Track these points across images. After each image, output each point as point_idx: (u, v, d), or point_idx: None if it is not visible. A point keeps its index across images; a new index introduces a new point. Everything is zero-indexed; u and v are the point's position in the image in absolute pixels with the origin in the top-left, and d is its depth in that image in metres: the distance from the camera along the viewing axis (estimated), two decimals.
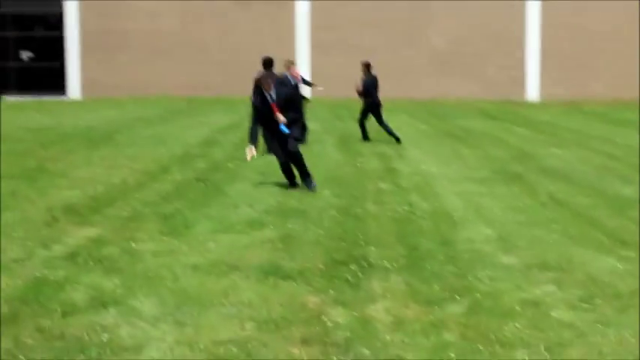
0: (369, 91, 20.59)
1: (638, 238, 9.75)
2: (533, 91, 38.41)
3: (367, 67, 20.92)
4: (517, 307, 7.07)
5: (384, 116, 20.71)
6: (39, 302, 6.96)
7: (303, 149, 18.25)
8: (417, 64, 37.22)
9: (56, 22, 39.76)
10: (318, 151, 18.37)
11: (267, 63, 18.00)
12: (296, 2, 38.70)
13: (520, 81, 38.49)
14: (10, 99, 37.60)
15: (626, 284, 7.78)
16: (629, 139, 21.28)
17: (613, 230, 10.31)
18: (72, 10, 39.18)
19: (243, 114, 28.75)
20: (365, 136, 20.68)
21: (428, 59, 37.91)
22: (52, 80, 39.71)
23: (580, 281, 7.89)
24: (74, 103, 35.79)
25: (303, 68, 38.60)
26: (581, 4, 38.02)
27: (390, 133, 20.40)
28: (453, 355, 6.00)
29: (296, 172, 13.30)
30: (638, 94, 36.21)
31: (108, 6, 38.86)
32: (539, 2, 38.18)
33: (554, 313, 6.96)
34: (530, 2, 38.27)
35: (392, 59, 36.48)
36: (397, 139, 20.20)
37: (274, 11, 38.67)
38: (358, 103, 32.86)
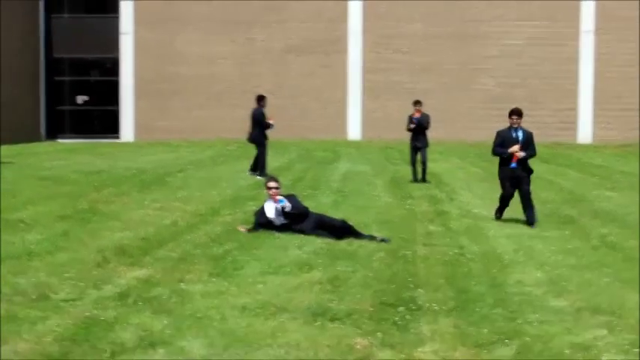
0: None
1: None
2: (586, 134, 38.13)
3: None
4: (567, 351, 6.99)
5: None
6: (89, 342, 7.01)
7: (352, 189, 18.37)
8: (469, 107, 37.19)
9: (112, 67, 40.39)
10: (369, 193, 18.38)
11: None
12: (349, 46, 38.93)
13: (573, 123, 38.28)
14: (65, 141, 38.19)
15: None
16: None
17: None
18: (127, 55, 39.79)
19: (294, 157, 28.97)
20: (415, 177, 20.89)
21: (480, 102, 37.86)
22: (106, 123, 40.30)
23: (632, 326, 7.78)
24: (127, 145, 36.21)
25: (355, 111, 38.79)
26: (633, 46, 37.79)
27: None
28: None
29: None
30: None
31: (161, 52, 39.42)
32: (593, 46, 38.00)
33: (604, 358, 6.86)
34: (583, 46, 38.11)
35: (444, 102, 36.49)
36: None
37: (327, 56, 38.93)
38: (407, 146, 32.99)
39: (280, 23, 38.99)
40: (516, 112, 15.01)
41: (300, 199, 13.56)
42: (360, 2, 38.85)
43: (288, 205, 12.87)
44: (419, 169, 20.98)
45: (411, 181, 20.70)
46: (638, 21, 37.71)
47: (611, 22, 37.76)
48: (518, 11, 38.17)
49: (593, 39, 38.07)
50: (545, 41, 38.14)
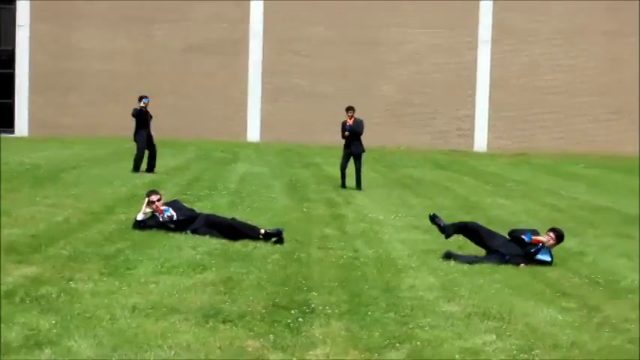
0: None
1: (578, 290, 9.83)
2: (481, 142, 38.77)
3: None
4: (457, 356, 7.06)
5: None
6: None
7: (249, 191, 18.31)
8: (370, 113, 37.30)
9: (7, 60, 39.48)
10: (266, 195, 18.33)
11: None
12: (250, 48, 38.83)
13: (469, 132, 38.87)
14: None
15: (565, 335, 7.81)
16: (573, 192, 21.54)
17: (554, 281, 10.39)
18: (23, 48, 38.97)
19: (192, 156, 28.75)
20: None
21: (379, 108, 38.14)
22: (1, 116, 39.35)
23: (520, 331, 7.90)
24: (21, 140, 35.46)
25: (254, 113, 38.71)
26: (529, 59, 38.61)
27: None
28: None
29: None
30: (583, 148, 36.69)
31: (59, 46, 38.71)
32: (489, 56, 38.66)
33: None
34: (480, 56, 38.74)
35: (342, 106, 36.59)
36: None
37: (228, 57, 38.76)
38: (307, 149, 33.07)
39: (181, 22, 38.67)
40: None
41: (183, 203, 13.47)
42: (262, 3, 38.77)
43: (174, 214, 12.75)
44: (349, 177, 20.67)
45: (340, 187, 20.50)
46: (531, 32, 38.48)
47: (508, 33, 38.47)
48: (419, 19, 38.58)
49: (490, 49, 38.72)
50: (443, 50, 38.64)
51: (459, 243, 12.45)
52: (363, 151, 20.93)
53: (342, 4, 38.42)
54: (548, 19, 38.46)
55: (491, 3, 38.60)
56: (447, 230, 12.16)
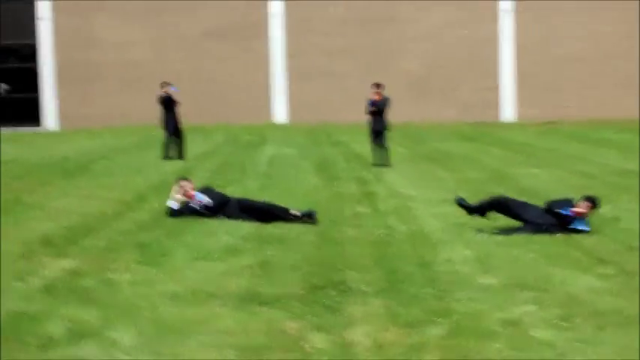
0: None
1: (615, 256, 9.79)
2: (508, 113, 38.58)
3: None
4: (497, 328, 7.06)
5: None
6: (16, 337, 6.87)
7: (279, 173, 18.34)
8: (392, 89, 36.93)
9: (31, 54, 39.65)
10: (296, 176, 18.36)
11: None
12: (269, 30, 38.78)
13: (495, 102, 38.67)
14: None
15: (604, 302, 7.79)
16: (605, 158, 21.41)
17: (591, 248, 10.35)
18: (46, 41, 39.11)
19: (219, 141, 28.82)
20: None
21: (402, 84, 37.95)
22: (28, 112, 39.57)
23: (559, 300, 7.89)
24: (50, 134, 35.69)
25: (280, 94, 38.71)
26: (554, 27, 38.29)
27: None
28: None
29: None
30: (612, 114, 36.41)
31: (81, 38, 38.83)
32: (512, 25, 38.40)
33: (533, 333, 6.95)
34: (503, 26, 38.49)
35: (366, 85, 36.51)
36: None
37: (247, 40, 38.73)
38: (334, 128, 33.04)
39: (198, 8, 38.62)
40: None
41: (214, 188, 13.53)
42: None
43: (208, 201, 12.82)
44: (379, 153, 20.72)
45: (373, 164, 20.51)
46: (555, 0, 38.18)
47: (530, 1, 38.17)
48: None
49: (513, 18, 38.45)
50: (464, 22, 38.40)
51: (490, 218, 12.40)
52: (386, 128, 20.85)
53: None
54: None
55: None
56: (477, 211, 12.07)
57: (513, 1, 38.39)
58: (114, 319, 7.37)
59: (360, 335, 6.99)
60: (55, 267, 9.42)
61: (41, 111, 39.38)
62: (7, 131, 36.17)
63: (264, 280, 8.77)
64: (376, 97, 20.76)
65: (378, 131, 20.68)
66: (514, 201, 12.16)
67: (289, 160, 22.02)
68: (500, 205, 11.95)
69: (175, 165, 20.59)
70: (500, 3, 38.47)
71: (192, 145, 24.73)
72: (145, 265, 9.54)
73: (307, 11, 38.51)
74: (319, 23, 38.62)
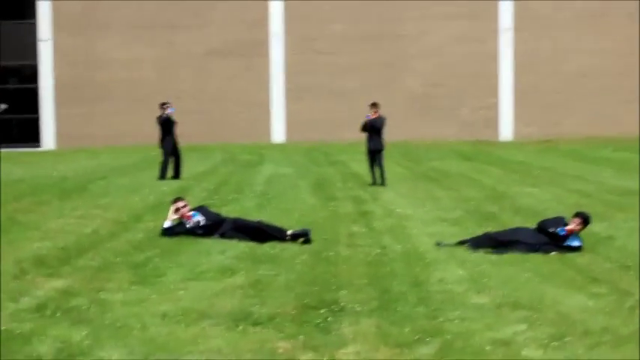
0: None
1: (609, 275, 9.78)
2: (507, 131, 38.62)
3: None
4: (487, 347, 7.05)
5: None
6: (4, 357, 6.86)
7: (276, 192, 18.33)
8: (393, 107, 37.24)
9: (31, 74, 39.72)
10: (293, 195, 18.35)
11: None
12: (271, 49, 38.86)
13: (494, 121, 38.72)
14: None
15: (596, 321, 7.78)
16: (601, 177, 21.43)
17: (585, 267, 10.35)
18: (47, 62, 39.20)
19: (217, 161, 28.82)
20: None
21: (403, 102, 38.08)
22: (28, 131, 39.64)
23: (551, 319, 7.88)
24: (49, 153, 35.69)
25: (279, 114, 38.76)
26: (552, 44, 38.39)
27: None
28: None
29: None
30: (611, 131, 36.45)
31: (82, 57, 38.92)
32: (512, 43, 38.49)
33: (524, 352, 6.95)
34: (502, 44, 38.58)
35: (367, 102, 36.57)
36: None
37: (249, 59, 38.82)
38: (333, 147, 33.06)
39: (201, 27, 38.75)
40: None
41: (209, 208, 13.56)
42: (282, 3, 38.79)
43: (202, 219, 12.84)
44: (377, 173, 20.71)
45: (370, 184, 20.48)
46: (553, 18, 38.29)
47: (529, 19, 38.29)
48: (438, 10, 38.44)
49: (513, 36, 38.56)
50: (464, 40, 38.50)
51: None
52: (383, 148, 20.81)
53: None
54: (569, 2, 38.19)
55: None
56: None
57: (513, 19, 38.47)
58: (104, 338, 7.36)
59: (350, 355, 6.98)
60: (48, 287, 9.41)
61: (41, 131, 39.41)
62: (7, 151, 36.23)
63: (257, 300, 8.75)
64: (373, 116, 20.74)
65: (375, 150, 20.66)
66: (499, 233, 12.14)
67: (287, 179, 22.01)
68: (487, 241, 11.83)
69: (172, 185, 20.59)
70: (501, 21, 38.56)
71: (191, 165, 24.76)
72: (138, 284, 9.53)
73: (308, 29, 38.62)
74: (320, 42, 38.71)
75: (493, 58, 38.70)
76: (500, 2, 38.58)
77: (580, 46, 38.34)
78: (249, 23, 38.79)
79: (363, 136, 21.29)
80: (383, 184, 20.31)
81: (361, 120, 21.36)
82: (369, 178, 20.88)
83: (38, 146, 38.91)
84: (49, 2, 38.97)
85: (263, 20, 38.83)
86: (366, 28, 38.66)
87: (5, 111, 40.37)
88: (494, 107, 38.77)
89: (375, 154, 20.65)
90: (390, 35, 38.69)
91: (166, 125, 22.66)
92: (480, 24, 38.57)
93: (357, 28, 38.70)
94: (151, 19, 38.79)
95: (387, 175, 20.68)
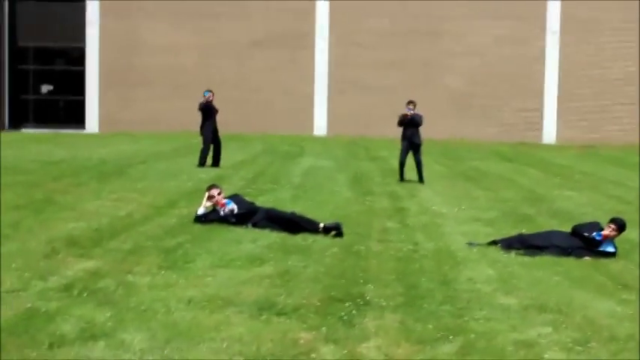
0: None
1: (639, 282, 9.66)
2: (550, 134, 38.31)
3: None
4: (510, 348, 6.99)
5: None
6: (27, 334, 6.91)
7: (313, 185, 18.32)
8: (434, 105, 37.11)
9: (78, 57, 40.03)
10: (329, 188, 18.33)
11: None
12: (316, 42, 38.84)
13: (537, 123, 38.43)
14: (29, 131, 37.88)
15: (623, 327, 7.68)
16: None
17: (616, 273, 10.23)
18: (93, 45, 39.47)
19: (257, 151, 28.86)
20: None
21: (445, 100, 37.94)
22: (71, 114, 40.00)
23: (577, 324, 7.79)
24: (91, 136, 35.97)
25: (321, 106, 38.75)
26: (598, 49, 38.03)
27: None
28: None
29: None
30: None
31: (127, 42, 39.15)
32: (558, 46, 38.16)
33: (547, 355, 6.88)
34: (549, 46, 38.27)
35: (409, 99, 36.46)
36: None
37: (293, 50, 38.83)
38: (374, 142, 32.98)
39: (246, 17, 38.81)
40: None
41: (244, 197, 13.58)
42: None
43: (235, 207, 12.86)
44: (417, 168, 20.38)
45: (399, 181, 20.32)
46: (600, 22, 37.92)
47: (576, 23, 37.94)
48: (485, 10, 38.20)
49: (559, 39, 38.23)
50: (510, 41, 38.24)
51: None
52: (422, 143, 20.65)
53: None
54: (615, 7, 37.79)
55: None
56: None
57: (560, 22, 38.14)
58: (127, 321, 7.39)
59: (371, 349, 6.95)
60: (77, 267, 9.47)
61: (86, 113, 39.70)
62: (52, 132, 36.59)
63: (283, 290, 8.74)
64: (411, 113, 20.46)
65: (416, 145, 20.40)
66: (531, 235, 12.06)
67: (325, 172, 22.00)
68: (520, 243, 11.73)
69: (210, 172, 20.66)
70: (548, 23, 38.23)
71: (231, 154, 24.83)
72: (167, 269, 9.57)
73: (353, 23, 38.54)
74: (364, 36, 38.62)
75: (538, 60, 38.37)
76: (549, 3, 38.24)
77: (625, 52, 37.94)
78: (295, 15, 38.78)
79: (399, 130, 21.01)
80: (421, 180, 20.18)
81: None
82: (399, 175, 20.62)
83: (83, 128, 39.20)
84: None
85: (308, 13, 38.80)
86: (409, 24, 38.50)
87: (52, 92, 40.76)
88: (537, 109, 38.46)
89: (415, 149, 20.42)
90: (433, 32, 38.51)
91: (206, 112, 22.74)
92: (526, 25, 38.27)
93: (401, 24, 38.55)
94: (196, 7, 38.90)
95: (426, 173, 20.57)
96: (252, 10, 38.83)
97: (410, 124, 20.45)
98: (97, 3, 39.32)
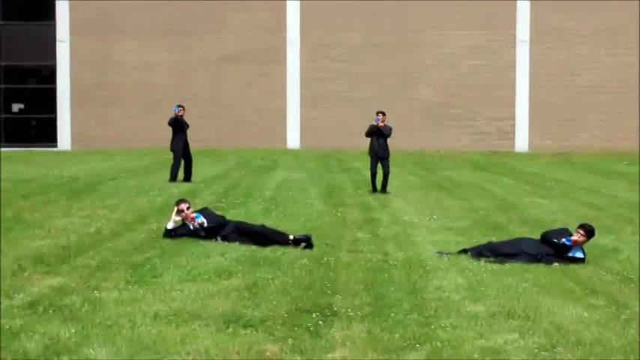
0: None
1: (608, 287, 9.68)
2: (522, 143, 38.44)
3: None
4: (476, 355, 6.98)
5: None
6: None
7: (285, 197, 18.29)
8: (407, 116, 37.22)
9: (49, 75, 39.85)
10: (301, 201, 18.30)
11: None
12: (287, 56, 38.83)
13: (510, 132, 38.56)
14: (1, 150, 37.61)
15: (589, 332, 7.69)
16: (614, 190, 21.28)
17: (584, 279, 10.25)
18: (64, 63, 39.31)
19: (230, 165, 28.82)
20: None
21: (417, 111, 38.01)
22: (43, 132, 39.78)
23: (544, 329, 7.80)
24: (63, 154, 35.77)
25: (294, 120, 38.73)
26: (568, 58, 38.24)
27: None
28: None
29: None
30: (626, 145, 36.28)
31: (98, 60, 39.00)
32: (528, 55, 38.34)
33: None
34: (519, 56, 38.43)
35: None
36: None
37: (265, 65, 38.82)
38: (347, 155, 32.99)
39: (217, 33, 38.77)
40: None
41: (214, 211, 13.55)
42: (298, 11, 38.76)
43: (205, 221, 12.82)
44: (383, 178, 20.39)
45: (372, 192, 20.37)
46: (570, 31, 38.14)
47: (546, 32, 38.13)
48: (455, 21, 38.34)
49: (529, 48, 38.40)
50: (482, 51, 38.39)
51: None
52: (389, 155, 20.60)
53: (378, 8, 38.29)
54: (585, 17, 38.04)
55: (528, 3, 38.24)
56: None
57: (529, 32, 38.32)
58: (92, 336, 7.34)
59: (337, 359, 6.92)
60: (43, 284, 9.40)
61: (58, 131, 39.50)
62: (24, 150, 36.36)
63: (250, 303, 8.71)
64: (380, 124, 20.44)
65: (382, 157, 20.39)
66: (500, 242, 12.09)
67: (297, 185, 21.96)
68: (489, 251, 11.73)
69: (182, 187, 20.58)
70: (518, 33, 38.41)
71: (203, 168, 24.78)
72: (134, 284, 9.51)
73: (324, 37, 38.57)
74: (336, 49, 38.66)
75: (509, 69, 38.53)
76: (517, 14, 38.43)
77: (596, 59, 38.18)
78: (266, 30, 38.77)
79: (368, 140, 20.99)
80: (384, 190, 20.16)
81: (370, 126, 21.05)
82: (371, 186, 20.63)
83: (55, 146, 38.99)
84: (67, 3, 39.07)
85: (279, 27, 38.80)
86: (381, 37, 38.56)
87: (23, 111, 40.52)
88: (509, 119, 38.61)
89: (382, 161, 20.42)
90: (405, 45, 38.58)
91: (176, 126, 22.67)
92: (496, 36, 38.43)
93: (373, 37, 38.60)
94: (167, 24, 38.83)
95: (399, 183, 20.56)
96: (223, 26, 38.78)
97: (378, 135, 20.44)
98: (68, 21, 39.16)
